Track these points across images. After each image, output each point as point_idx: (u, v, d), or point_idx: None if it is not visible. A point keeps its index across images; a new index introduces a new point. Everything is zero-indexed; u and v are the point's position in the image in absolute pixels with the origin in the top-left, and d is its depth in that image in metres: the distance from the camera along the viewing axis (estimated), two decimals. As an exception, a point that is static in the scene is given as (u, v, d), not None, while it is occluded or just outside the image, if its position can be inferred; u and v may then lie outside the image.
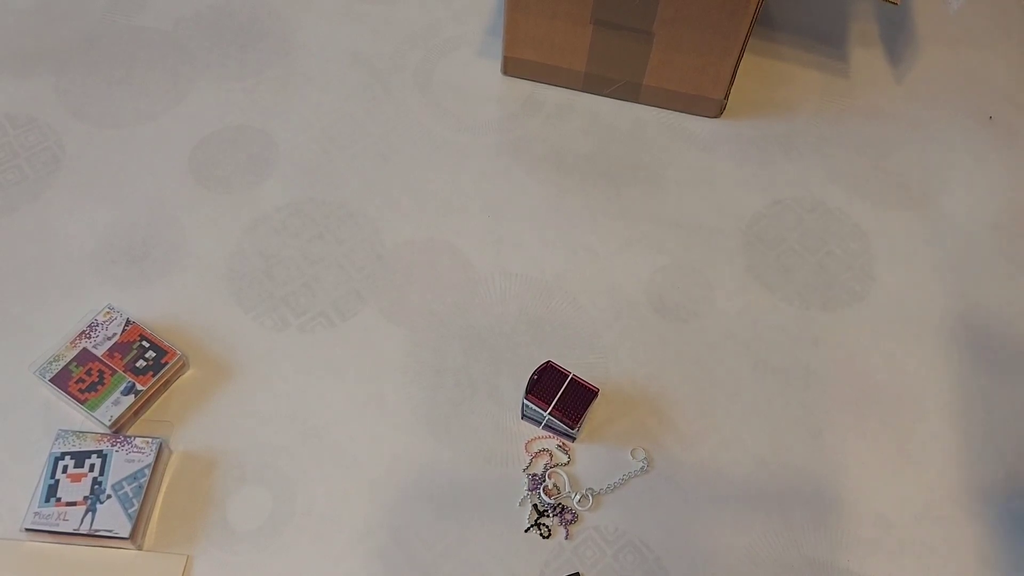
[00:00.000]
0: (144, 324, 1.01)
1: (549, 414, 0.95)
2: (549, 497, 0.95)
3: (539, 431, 0.99)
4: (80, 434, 0.94)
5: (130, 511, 0.90)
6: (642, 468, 0.98)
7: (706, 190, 1.18)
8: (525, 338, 1.03)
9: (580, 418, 0.95)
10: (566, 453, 0.98)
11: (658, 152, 1.21)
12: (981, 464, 1.01)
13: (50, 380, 0.96)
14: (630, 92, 1.23)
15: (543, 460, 0.97)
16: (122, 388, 0.96)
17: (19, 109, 1.19)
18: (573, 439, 0.98)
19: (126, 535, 0.88)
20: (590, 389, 0.95)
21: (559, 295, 1.09)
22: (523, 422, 1.00)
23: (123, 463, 0.92)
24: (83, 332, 0.99)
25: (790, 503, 0.97)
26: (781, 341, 1.07)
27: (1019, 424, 1.04)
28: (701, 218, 1.16)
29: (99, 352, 0.98)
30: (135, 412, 0.97)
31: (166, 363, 0.98)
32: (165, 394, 1.00)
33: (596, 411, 1.01)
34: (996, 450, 1.02)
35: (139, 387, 0.96)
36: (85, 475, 0.91)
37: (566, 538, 0.93)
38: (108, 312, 1.01)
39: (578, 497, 0.95)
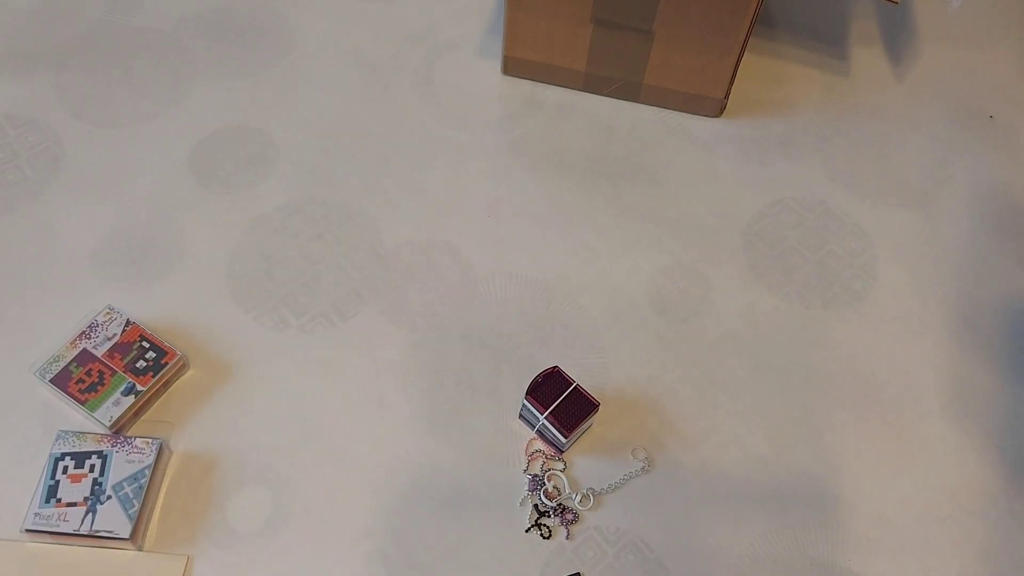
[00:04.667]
0: (144, 324, 1.01)
1: (545, 418, 0.94)
2: (550, 500, 0.94)
3: (534, 433, 0.99)
4: (80, 435, 0.94)
5: (130, 512, 0.89)
6: (643, 468, 0.97)
7: (706, 189, 1.18)
8: (526, 339, 1.03)
9: (574, 429, 0.94)
10: (561, 460, 0.98)
11: (658, 151, 1.21)
12: (982, 463, 1.01)
13: (50, 380, 0.96)
14: (630, 91, 1.23)
15: (539, 462, 0.97)
16: (122, 389, 0.96)
17: (19, 109, 1.19)
18: (562, 451, 0.97)
19: (126, 536, 0.88)
20: (591, 401, 0.94)
21: (559, 295, 1.08)
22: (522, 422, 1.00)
23: (123, 464, 0.92)
24: (83, 332, 0.99)
25: (791, 503, 0.97)
26: (782, 341, 1.07)
27: (1021, 423, 1.03)
28: (701, 217, 1.16)
29: (99, 352, 0.98)
30: (135, 413, 0.97)
31: (166, 363, 0.98)
32: (165, 395, 0.99)
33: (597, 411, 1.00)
34: (997, 449, 1.02)
35: (139, 387, 0.96)
36: (85, 476, 0.91)
37: (567, 538, 0.93)
38: (108, 312, 1.01)
39: (579, 497, 0.95)
